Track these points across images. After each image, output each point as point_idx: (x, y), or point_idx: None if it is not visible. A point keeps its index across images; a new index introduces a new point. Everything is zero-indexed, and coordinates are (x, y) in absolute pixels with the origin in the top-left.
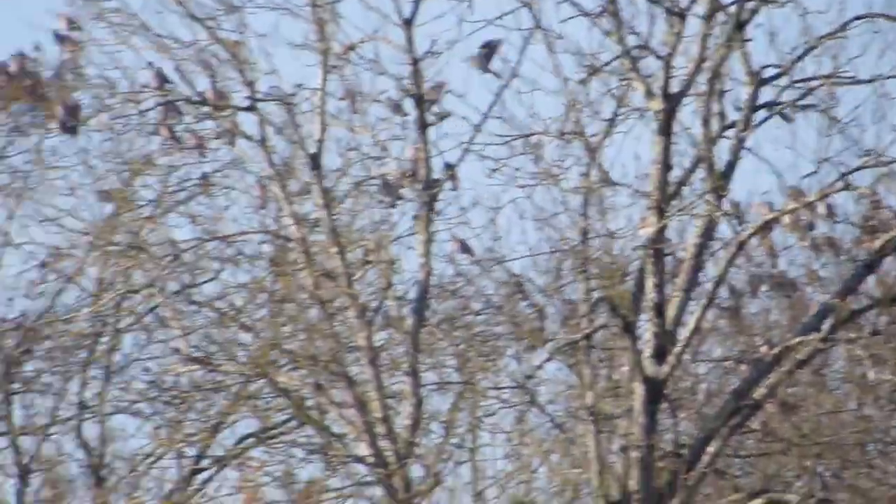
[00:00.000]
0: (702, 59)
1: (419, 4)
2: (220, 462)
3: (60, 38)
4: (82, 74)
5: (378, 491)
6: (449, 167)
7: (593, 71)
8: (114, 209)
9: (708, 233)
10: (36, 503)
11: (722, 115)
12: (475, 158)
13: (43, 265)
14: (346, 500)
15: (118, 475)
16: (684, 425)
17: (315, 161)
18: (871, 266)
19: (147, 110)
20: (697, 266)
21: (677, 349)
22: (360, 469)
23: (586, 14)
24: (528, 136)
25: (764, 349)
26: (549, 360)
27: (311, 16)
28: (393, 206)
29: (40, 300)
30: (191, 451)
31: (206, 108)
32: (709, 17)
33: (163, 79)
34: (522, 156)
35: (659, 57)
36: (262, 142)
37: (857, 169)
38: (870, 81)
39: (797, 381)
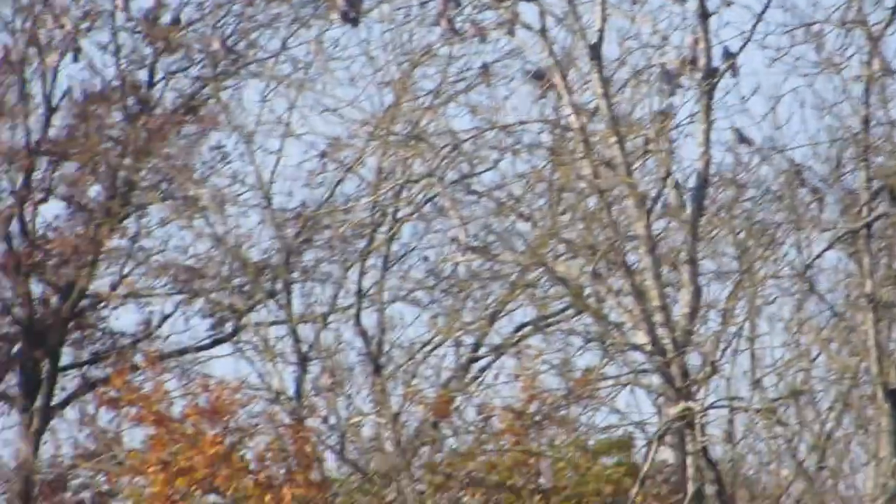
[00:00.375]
0: None
1: None
2: (498, 350)
3: None
4: None
5: (655, 379)
6: (729, 56)
7: None
8: (394, 99)
9: None
10: (314, 390)
11: None
12: (756, 47)
13: (323, 155)
14: (624, 387)
15: (396, 363)
16: None
17: (595, 51)
18: None
19: (428, 1)
20: None
21: None
22: (638, 357)
23: None
24: (809, 25)
25: None
26: (828, 248)
27: None
28: (672, 94)
29: (320, 190)
30: (468, 340)
31: None
32: None
33: None
34: (804, 45)
35: None
36: (543, 31)
37: None
38: None
39: None
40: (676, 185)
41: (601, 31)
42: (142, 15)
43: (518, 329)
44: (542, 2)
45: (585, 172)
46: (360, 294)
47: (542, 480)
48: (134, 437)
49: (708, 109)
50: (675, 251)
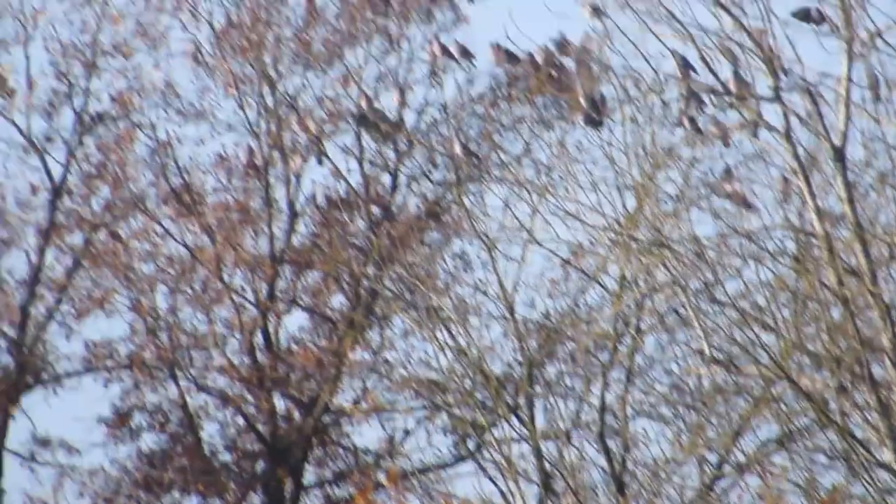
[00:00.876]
0: None
1: None
2: (741, 468)
3: (585, 27)
4: (607, 65)
5: None
6: None
7: None
8: (636, 203)
9: None
10: None
11: None
12: None
13: (565, 263)
14: None
15: (639, 482)
16: None
17: (839, 153)
18: None
19: (670, 101)
20: None
21: None
22: (884, 475)
23: None
24: None
25: None
26: None
27: (837, 2)
28: None
29: (562, 299)
30: (712, 457)
31: (729, 98)
32: None
33: (687, 68)
34: None
35: None
36: (787, 133)
37: None
38: None
39: None
40: None
41: (845, 132)
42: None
43: (762, 445)
44: (786, 102)
45: (830, 280)
46: (603, 409)
47: None
48: None
49: None
50: None
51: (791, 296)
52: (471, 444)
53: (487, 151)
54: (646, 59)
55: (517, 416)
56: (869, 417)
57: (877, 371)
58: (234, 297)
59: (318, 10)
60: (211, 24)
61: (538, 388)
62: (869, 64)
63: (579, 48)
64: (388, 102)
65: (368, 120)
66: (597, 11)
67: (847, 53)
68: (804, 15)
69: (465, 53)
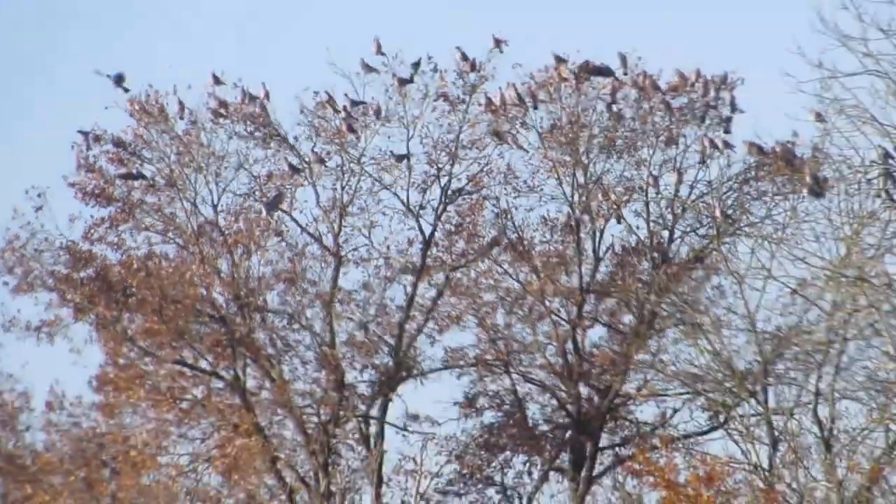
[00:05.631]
0: None
1: None
2: None
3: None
4: (826, 153)
5: None
6: None
7: None
8: (846, 251)
9: None
10: (781, 464)
11: None
12: None
13: (793, 292)
14: None
15: (841, 443)
16: None
17: None
18: None
19: (871, 178)
20: None
21: None
22: None
23: None
24: None
25: None
26: None
27: None
28: None
29: (790, 317)
30: (893, 427)
31: None
32: None
33: (886, 156)
34: None
35: None
36: None
37: None
38: None
39: None
40: None
41: None
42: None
43: None
44: None
45: None
46: (817, 393)
47: None
48: (651, 498)
49: None
50: None
51: None
52: (721, 419)
53: (739, 215)
54: (854, 150)
55: (755, 399)
56: None
57: None
58: (553, 316)
59: (620, 115)
60: (537, 129)
61: (770, 379)
62: None
63: (810, 142)
64: (669, 180)
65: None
66: (819, 116)
67: None
68: None
69: (727, 145)
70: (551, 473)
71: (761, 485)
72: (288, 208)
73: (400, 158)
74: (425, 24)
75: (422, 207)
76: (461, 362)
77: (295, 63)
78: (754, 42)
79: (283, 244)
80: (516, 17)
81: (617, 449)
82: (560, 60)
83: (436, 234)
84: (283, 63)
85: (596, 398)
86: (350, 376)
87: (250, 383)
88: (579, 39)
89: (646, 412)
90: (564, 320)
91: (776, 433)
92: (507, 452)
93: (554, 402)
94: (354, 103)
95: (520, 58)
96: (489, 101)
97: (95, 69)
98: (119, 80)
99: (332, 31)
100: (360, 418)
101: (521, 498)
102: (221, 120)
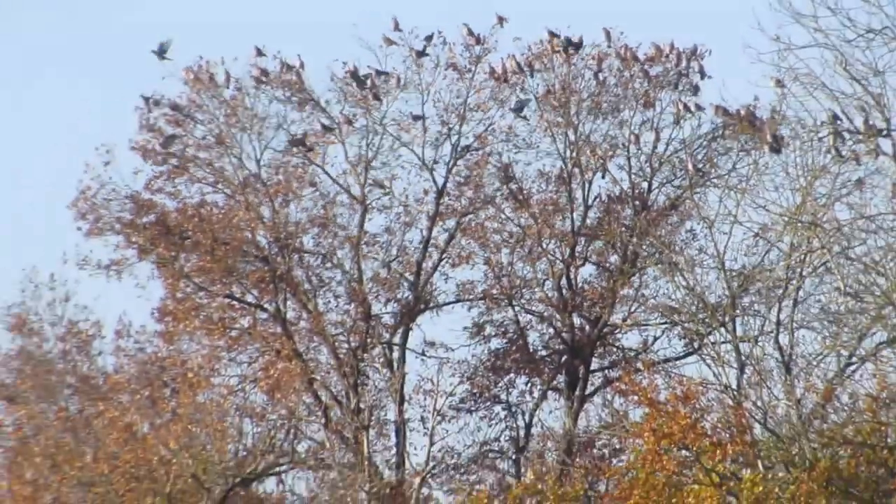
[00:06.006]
0: None
1: None
2: (863, 359)
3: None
4: (783, 115)
5: None
6: None
7: None
8: (801, 199)
9: None
10: (748, 384)
11: None
12: None
13: (756, 235)
14: None
15: (799, 366)
16: None
17: None
18: None
19: (822, 137)
20: None
21: None
22: None
23: None
24: None
25: None
26: None
27: None
28: None
29: (754, 258)
30: (844, 353)
31: (859, 136)
32: None
33: (835, 118)
34: None
35: None
36: (894, 156)
37: None
38: None
39: None
40: None
41: None
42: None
43: (876, 346)
44: (893, 136)
45: None
46: (778, 323)
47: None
48: (635, 414)
49: None
50: None
51: (893, 254)
52: (695, 345)
53: (708, 168)
54: (808, 112)
55: (724, 328)
56: None
57: None
58: (549, 256)
59: (605, 82)
60: (533, 94)
61: (737, 311)
62: None
63: (770, 106)
64: (648, 138)
65: None
66: (778, 83)
67: None
68: None
69: (698, 108)
70: (549, 393)
71: (730, 402)
72: (321, 162)
73: (416, 119)
74: (436, 3)
75: (435, 162)
76: (471, 296)
77: (324, 37)
78: (721, 19)
79: (317, 193)
80: None
81: (606, 372)
82: (553, 35)
83: (447, 185)
84: (314, 37)
85: (587, 327)
86: (376, 308)
87: (290, 314)
88: (570, 16)
89: (630, 339)
90: (559, 259)
91: (743, 358)
92: (511, 374)
93: (551, 330)
94: (378, 73)
95: (518, 32)
96: (492, 70)
97: (152, 49)
98: (162, 52)
99: (356, 7)
100: (384, 345)
101: (523, 414)
102: (263, 87)
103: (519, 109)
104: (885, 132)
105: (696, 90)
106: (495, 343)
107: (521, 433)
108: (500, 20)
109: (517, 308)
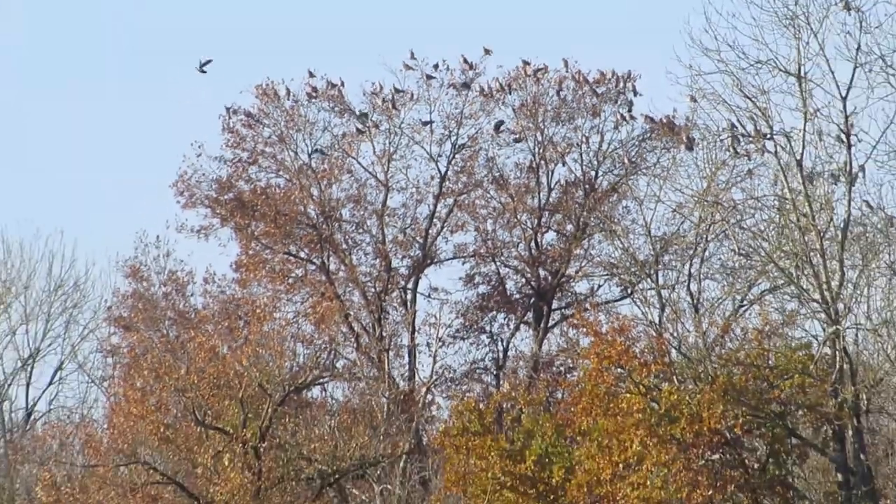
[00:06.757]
0: None
1: None
2: (752, 302)
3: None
4: (695, 122)
5: None
6: None
7: None
8: (707, 184)
9: None
10: (667, 320)
11: None
12: None
13: (674, 211)
14: None
15: (705, 308)
16: None
17: (800, 163)
18: None
19: (723, 139)
20: None
21: None
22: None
23: None
24: None
25: None
26: None
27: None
28: None
29: (672, 227)
30: (738, 297)
31: (750, 138)
32: None
33: (733, 126)
34: None
35: None
36: (775, 152)
37: None
38: None
39: None
40: None
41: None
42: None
43: (762, 292)
44: (775, 139)
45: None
46: (689, 276)
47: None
48: (584, 342)
49: None
50: None
51: (773, 225)
52: (628, 291)
53: (640, 161)
54: (713, 121)
55: (650, 279)
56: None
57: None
58: (522, 225)
59: (564, 98)
60: (512, 106)
61: (659, 266)
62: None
63: (686, 116)
64: (595, 139)
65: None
66: (692, 99)
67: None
68: None
69: (632, 117)
70: (521, 326)
71: (654, 334)
72: (355, 155)
73: (425, 124)
74: (439, 35)
75: (439, 156)
76: (464, 254)
77: (355, 63)
78: (650, 51)
79: (353, 178)
80: (500, 25)
81: (563, 310)
82: (525, 63)
83: (448, 172)
84: (348, 64)
85: (549, 278)
86: (395, 262)
87: (331, 267)
88: (540, 37)
89: (581, 287)
90: (529, 228)
91: (663, 301)
92: (494, 312)
93: (523, 280)
94: (397, 90)
95: (501, 60)
96: (481, 89)
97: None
98: (203, 65)
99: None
100: (400, 289)
101: (502, 341)
102: (313, 100)
103: (497, 127)
104: (768, 136)
105: (630, 104)
106: (482, 289)
107: (501, 355)
108: (487, 51)
109: (498, 263)
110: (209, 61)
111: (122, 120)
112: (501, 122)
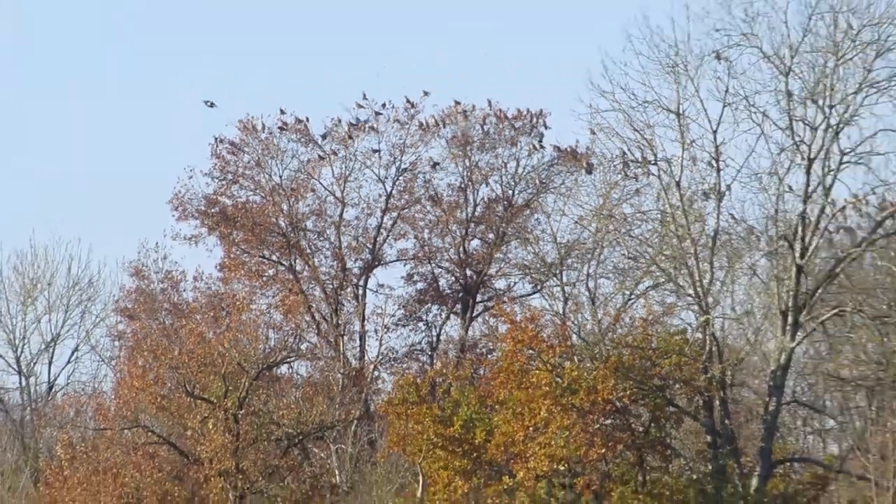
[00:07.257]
0: None
1: None
2: (645, 292)
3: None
4: (594, 151)
5: None
6: None
7: None
8: (602, 201)
9: None
10: (569, 310)
11: None
12: None
13: (576, 222)
14: None
15: (606, 297)
16: None
17: (678, 183)
18: None
19: (616, 164)
20: None
21: None
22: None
23: None
24: None
25: None
26: None
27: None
28: None
29: (574, 235)
30: (631, 283)
31: (638, 163)
32: None
33: (624, 154)
34: None
35: None
36: (659, 175)
37: None
38: None
39: None
40: None
41: (682, 167)
42: None
43: (649, 287)
44: (658, 164)
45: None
46: (588, 275)
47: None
48: (502, 329)
49: None
50: None
51: (656, 234)
52: (539, 287)
53: (548, 181)
54: (608, 150)
55: (555, 276)
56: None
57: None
58: (453, 234)
59: (487, 131)
60: (446, 139)
61: (564, 267)
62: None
63: (587, 146)
64: (513, 164)
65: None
66: (592, 132)
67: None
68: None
69: (542, 146)
70: (451, 316)
71: (558, 322)
72: (317, 177)
73: (375, 151)
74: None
75: (386, 177)
76: (405, 257)
77: (313, 99)
78: (558, 92)
79: (315, 196)
80: (437, 69)
81: (485, 303)
82: (457, 102)
83: (393, 191)
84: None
85: (474, 276)
86: (349, 264)
87: (298, 267)
88: (469, 88)
89: (500, 284)
90: (459, 236)
91: (566, 295)
92: (429, 304)
93: (453, 278)
94: (352, 125)
95: (437, 99)
96: (421, 124)
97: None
98: (210, 104)
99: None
100: (353, 286)
101: (436, 328)
102: (283, 132)
103: (434, 166)
104: (653, 162)
105: (541, 136)
106: (419, 285)
107: (434, 339)
108: (425, 93)
109: (433, 265)
110: (213, 104)
111: (122, 120)
112: (437, 164)
